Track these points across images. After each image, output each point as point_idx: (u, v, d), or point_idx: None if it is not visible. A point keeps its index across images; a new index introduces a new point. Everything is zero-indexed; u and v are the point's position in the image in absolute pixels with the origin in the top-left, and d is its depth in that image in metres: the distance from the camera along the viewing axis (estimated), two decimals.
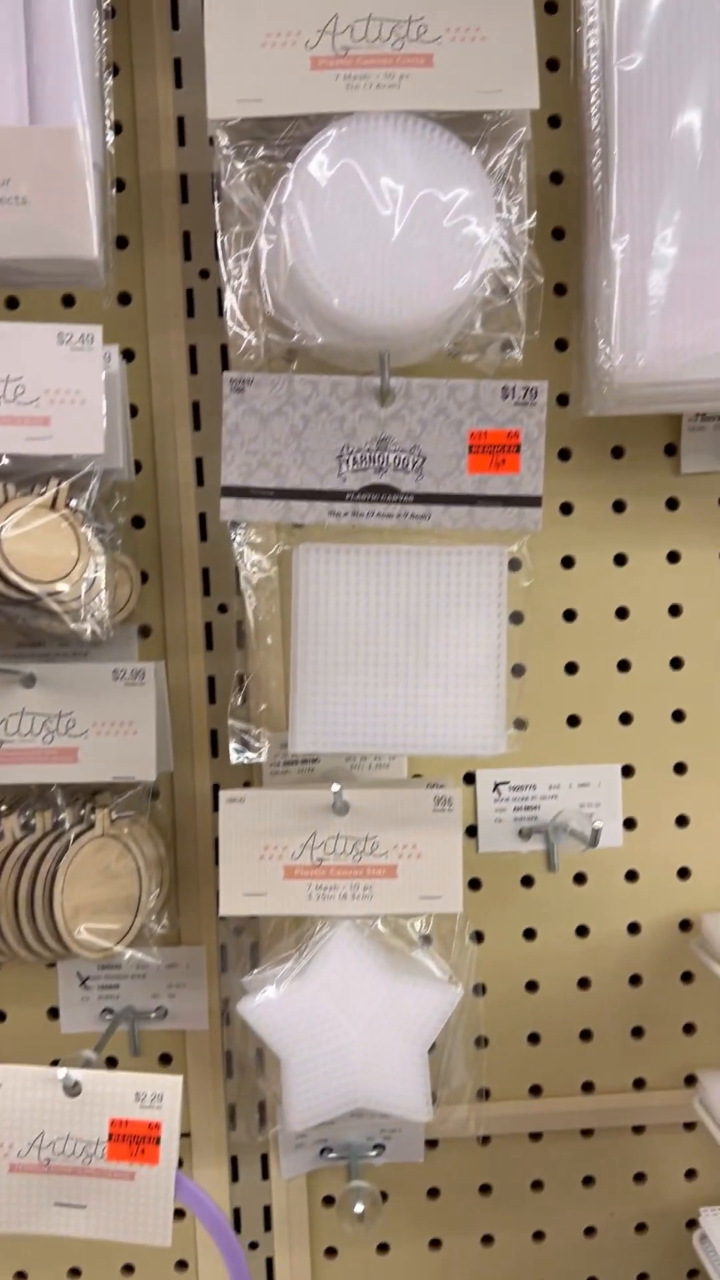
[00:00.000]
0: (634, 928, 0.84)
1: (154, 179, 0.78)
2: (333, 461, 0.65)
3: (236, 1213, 0.84)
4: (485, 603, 0.67)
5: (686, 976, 0.85)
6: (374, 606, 0.66)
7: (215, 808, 0.80)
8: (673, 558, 0.83)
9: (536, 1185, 0.86)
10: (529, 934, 0.84)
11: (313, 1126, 0.70)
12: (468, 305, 0.65)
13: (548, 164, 0.79)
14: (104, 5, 0.68)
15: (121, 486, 0.75)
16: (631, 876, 0.84)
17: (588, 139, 0.70)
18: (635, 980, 0.85)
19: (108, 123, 0.68)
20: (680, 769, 0.84)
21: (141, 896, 0.73)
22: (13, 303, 0.79)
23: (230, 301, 0.67)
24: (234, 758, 0.71)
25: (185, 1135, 0.82)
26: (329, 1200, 0.85)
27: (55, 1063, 0.80)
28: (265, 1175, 0.84)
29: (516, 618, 0.73)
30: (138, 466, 0.80)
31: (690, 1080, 0.85)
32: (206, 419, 0.80)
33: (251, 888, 0.68)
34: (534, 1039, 0.85)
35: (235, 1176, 0.84)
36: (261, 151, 0.66)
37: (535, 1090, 0.85)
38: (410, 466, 0.65)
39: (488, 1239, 0.87)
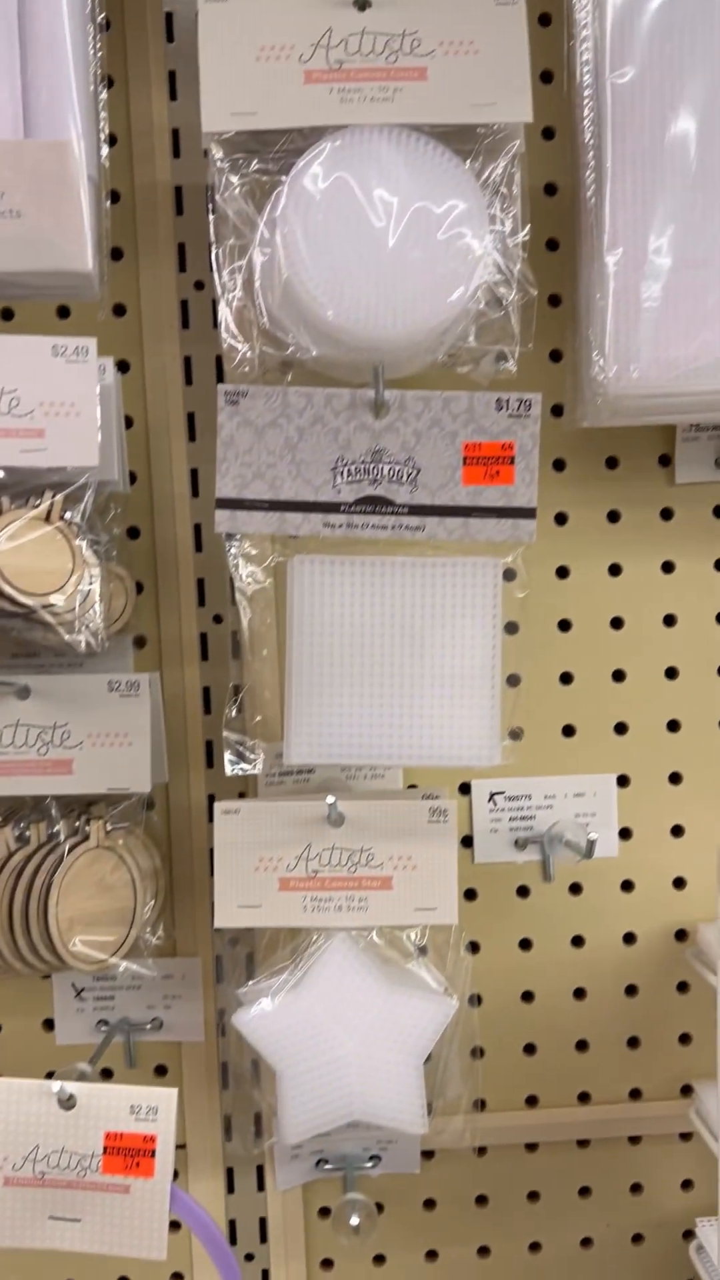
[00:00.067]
0: (629, 938, 0.84)
1: (149, 191, 0.78)
2: (327, 473, 0.65)
3: (232, 1224, 0.84)
4: (480, 614, 0.67)
5: (682, 986, 0.85)
6: (369, 618, 0.66)
7: (210, 819, 0.80)
8: (667, 568, 0.83)
9: (533, 1196, 0.86)
10: (525, 944, 0.84)
11: (308, 1139, 0.70)
12: (462, 318, 0.65)
13: (542, 175, 0.80)
14: (99, 18, 0.68)
15: (116, 498, 0.75)
16: (627, 886, 0.84)
17: (581, 151, 0.70)
18: (631, 990, 0.85)
19: (103, 135, 0.68)
20: (675, 779, 0.84)
21: (136, 908, 0.73)
22: (8, 314, 0.79)
23: (224, 314, 0.67)
24: (229, 769, 0.71)
25: (181, 1147, 0.82)
26: (325, 1212, 0.85)
27: (50, 1075, 0.80)
28: (261, 1187, 0.84)
29: (511, 628, 0.73)
30: (133, 478, 0.80)
31: (686, 1090, 0.85)
32: (201, 430, 0.80)
33: (247, 900, 0.68)
34: (530, 1049, 0.85)
35: (231, 1188, 0.84)
36: (256, 164, 0.66)
37: (531, 1101, 0.85)
38: (405, 478, 0.65)
39: (484, 1250, 0.87)
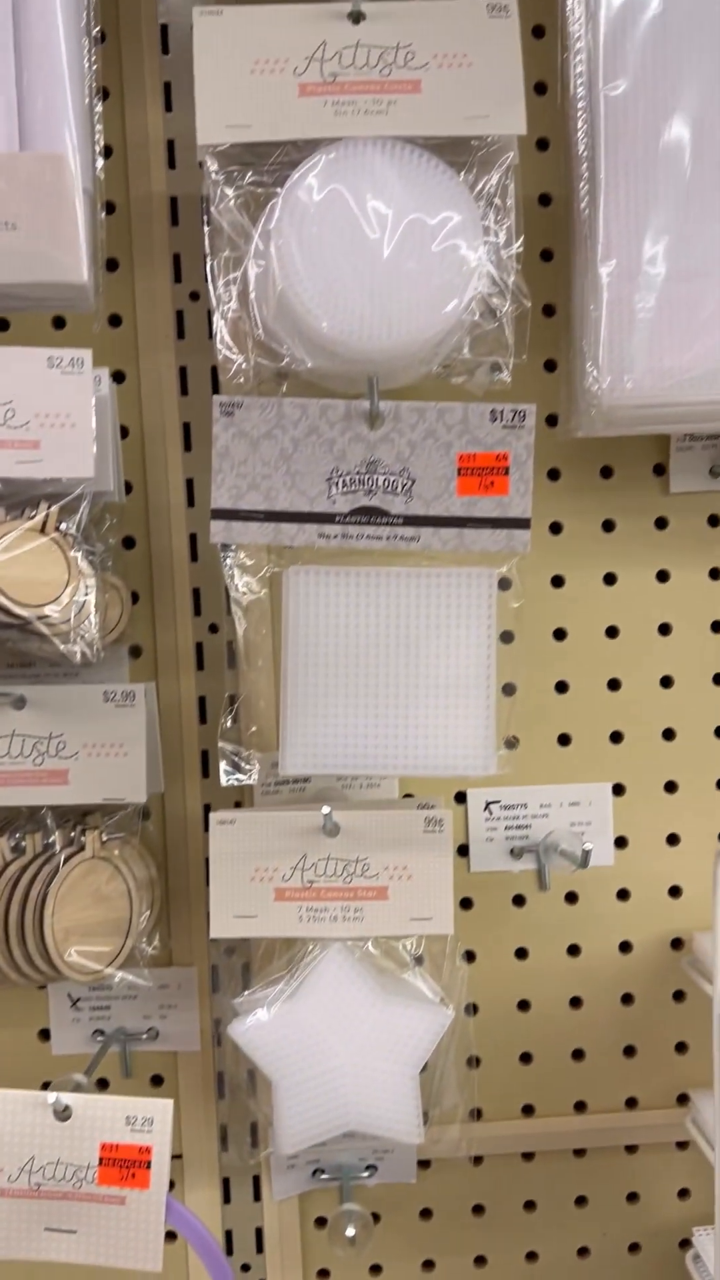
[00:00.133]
0: (625, 946, 0.85)
1: (144, 202, 0.79)
2: (322, 484, 0.65)
3: (228, 1235, 0.84)
4: (475, 624, 0.67)
5: (678, 995, 0.85)
6: (364, 628, 0.67)
7: (206, 829, 0.80)
8: (662, 577, 0.83)
9: (529, 1205, 0.86)
10: (521, 953, 0.84)
11: (304, 1149, 0.70)
12: (456, 329, 0.66)
13: (536, 186, 0.80)
14: (94, 31, 0.68)
15: (112, 508, 0.76)
16: (623, 895, 0.84)
17: (575, 163, 0.71)
18: (627, 999, 0.85)
19: (98, 147, 0.69)
20: (671, 787, 0.84)
21: (132, 918, 0.73)
22: (3, 325, 0.80)
23: (220, 325, 0.67)
24: (224, 780, 0.71)
25: (177, 1157, 0.82)
26: (321, 1221, 0.85)
27: (47, 1085, 0.80)
28: (257, 1197, 0.84)
29: (507, 637, 0.73)
30: (128, 487, 0.80)
31: (683, 1099, 0.85)
32: (197, 440, 0.80)
33: (242, 910, 0.68)
34: (526, 1058, 0.85)
35: (227, 1198, 0.84)
36: (250, 177, 0.66)
37: (528, 1110, 0.85)
38: (399, 489, 0.65)
39: (480, 1260, 0.87)
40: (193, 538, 0.81)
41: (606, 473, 0.83)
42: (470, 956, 0.83)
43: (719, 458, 0.82)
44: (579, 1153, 0.86)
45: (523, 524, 0.66)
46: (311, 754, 0.67)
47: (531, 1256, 0.87)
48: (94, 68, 0.68)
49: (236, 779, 0.71)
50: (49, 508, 0.66)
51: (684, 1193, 0.87)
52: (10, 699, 0.72)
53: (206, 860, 0.77)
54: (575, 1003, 0.85)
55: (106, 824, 0.74)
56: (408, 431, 0.65)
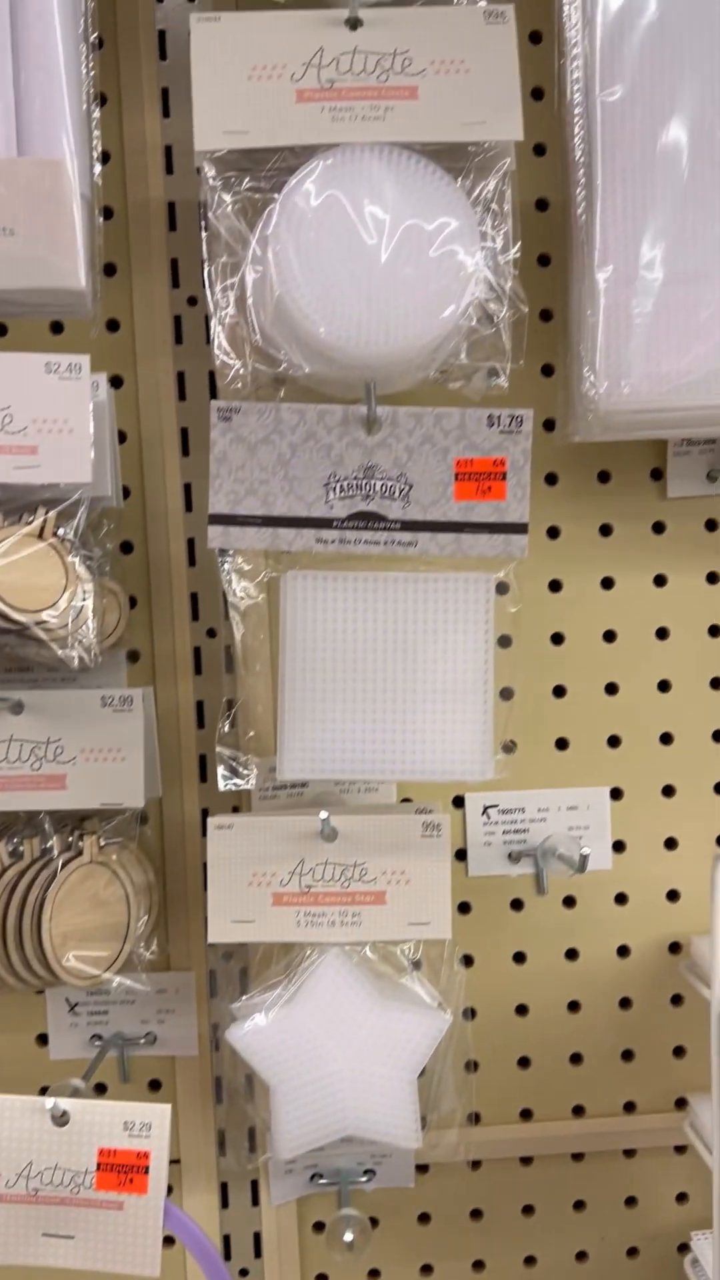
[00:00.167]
0: (623, 950, 0.85)
1: (142, 207, 0.79)
2: (320, 489, 0.65)
3: (226, 1239, 0.84)
4: (472, 629, 0.67)
5: (676, 999, 0.85)
6: (361, 633, 0.67)
7: (204, 833, 0.80)
8: (659, 581, 0.83)
9: (527, 1210, 0.86)
10: (519, 957, 0.84)
11: (302, 1154, 0.70)
12: (453, 334, 0.66)
13: (533, 191, 0.80)
14: (92, 37, 0.68)
15: (109, 513, 0.76)
16: (621, 899, 0.84)
17: (572, 169, 0.71)
18: (625, 1003, 0.85)
19: (96, 152, 0.69)
20: (668, 791, 0.84)
21: (130, 923, 0.73)
22: (1, 330, 0.80)
23: (217, 331, 0.67)
24: (221, 785, 0.71)
25: (175, 1161, 0.82)
26: (319, 1226, 0.85)
27: (44, 1090, 0.80)
28: (255, 1201, 0.84)
29: (505, 641, 0.73)
30: (126, 492, 0.80)
31: (680, 1103, 0.85)
32: (195, 445, 0.81)
33: (240, 915, 0.68)
34: (524, 1063, 0.85)
35: (225, 1203, 0.84)
36: (248, 182, 0.66)
37: (526, 1114, 0.85)
38: (397, 494, 0.65)
39: (479, 1264, 0.87)
40: (190, 542, 0.81)
41: (604, 477, 0.83)
42: (468, 961, 0.84)
43: (716, 462, 0.82)
44: (577, 1157, 0.86)
45: (520, 529, 0.66)
46: (309, 759, 0.67)
47: (530, 1261, 0.87)
48: (92, 73, 0.68)
49: (234, 784, 0.71)
50: (47, 513, 0.66)
51: (682, 1197, 0.87)
52: (8, 704, 0.72)
53: (204, 865, 0.77)
54: (573, 1007, 0.85)
55: (104, 829, 0.74)
56: (405, 437, 0.65)
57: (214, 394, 0.80)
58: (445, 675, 0.67)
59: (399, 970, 0.73)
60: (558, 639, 0.83)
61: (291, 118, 0.65)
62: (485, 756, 0.67)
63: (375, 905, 0.68)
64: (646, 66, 0.69)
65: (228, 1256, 0.84)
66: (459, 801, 0.83)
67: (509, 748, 0.82)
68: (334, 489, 0.65)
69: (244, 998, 0.71)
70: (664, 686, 0.84)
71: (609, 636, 0.83)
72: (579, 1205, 0.87)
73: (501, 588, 0.68)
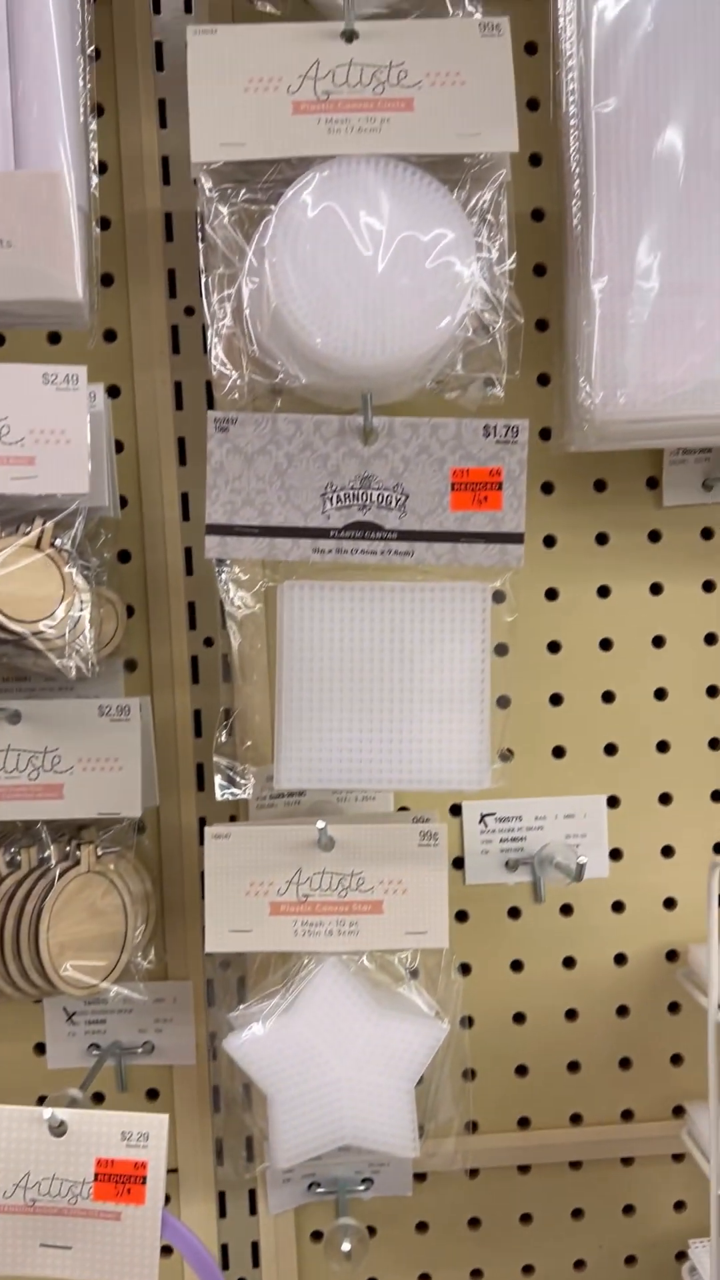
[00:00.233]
0: (621, 959, 0.85)
1: (139, 218, 0.79)
2: (316, 499, 0.66)
3: (224, 1249, 0.84)
4: (469, 638, 0.67)
5: (673, 1007, 0.85)
6: (358, 643, 0.67)
7: (201, 842, 0.80)
8: (655, 589, 0.84)
9: (525, 1218, 0.86)
10: (516, 965, 0.84)
11: (300, 1163, 0.70)
12: (450, 345, 0.66)
13: (529, 201, 0.80)
14: (89, 49, 0.69)
15: (107, 523, 0.76)
16: (618, 907, 0.84)
17: (567, 180, 0.71)
18: (622, 1011, 0.85)
19: (93, 164, 0.69)
20: (665, 799, 0.84)
21: (127, 932, 0.73)
22: None
23: (214, 342, 0.67)
24: (219, 794, 0.71)
25: (172, 1171, 0.82)
26: (317, 1235, 0.85)
27: (42, 1099, 0.80)
28: (253, 1210, 0.84)
29: (501, 650, 0.73)
30: (123, 501, 0.80)
31: (678, 1111, 0.85)
32: (192, 454, 0.81)
33: (237, 924, 0.68)
34: (521, 1071, 0.85)
35: (223, 1212, 0.84)
36: (244, 194, 0.67)
37: (523, 1122, 0.85)
38: (393, 504, 0.66)
39: (477, 1273, 0.87)
40: (188, 552, 0.81)
41: (600, 486, 0.83)
42: (465, 969, 0.84)
43: (711, 471, 0.82)
44: (575, 1165, 0.86)
45: (516, 539, 0.66)
46: (306, 768, 0.67)
47: (528, 1269, 0.87)
48: (89, 85, 0.69)
49: (231, 794, 0.71)
50: (44, 524, 0.66)
51: (680, 1205, 0.87)
52: (5, 714, 0.72)
53: (202, 874, 0.77)
54: (571, 1015, 0.85)
55: (102, 838, 0.74)
56: (401, 447, 0.65)
57: (211, 404, 0.80)
58: (442, 684, 0.67)
59: (396, 979, 0.73)
60: (554, 647, 0.83)
61: (288, 130, 0.65)
62: (482, 766, 0.67)
63: (372, 914, 0.68)
64: (641, 78, 0.69)
65: (225, 1266, 0.84)
66: (456, 810, 0.83)
67: (506, 756, 0.82)
68: (331, 499, 0.66)
69: (241, 1007, 0.71)
70: (660, 694, 0.84)
71: (605, 645, 0.84)
72: (577, 1213, 0.86)
73: (498, 596, 0.69)
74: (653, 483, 0.83)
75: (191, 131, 0.65)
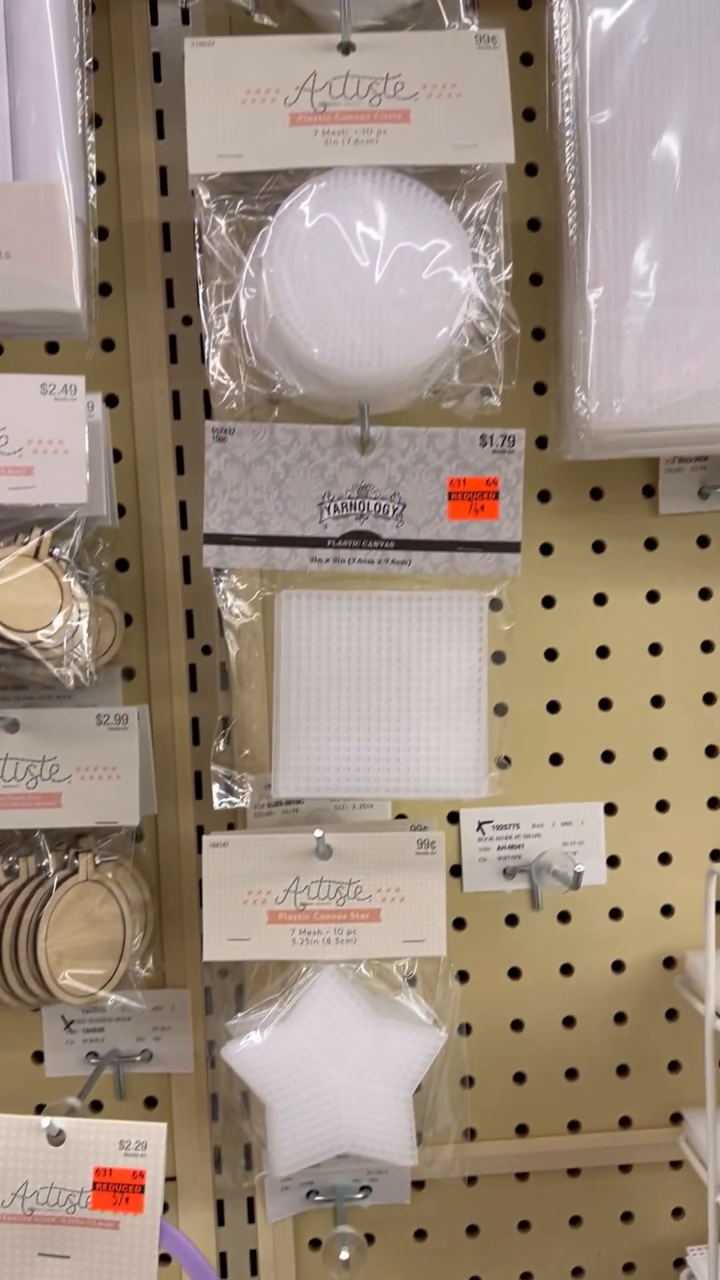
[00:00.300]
0: (618, 966, 0.85)
1: (136, 228, 0.79)
2: (314, 509, 0.66)
3: (223, 1257, 0.84)
4: (466, 647, 0.67)
5: (671, 1014, 0.85)
6: (356, 651, 0.67)
7: (199, 850, 0.80)
8: (652, 597, 0.84)
9: (524, 1225, 0.86)
10: (514, 973, 0.84)
11: (298, 1171, 0.70)
12: (446, 355, 0.66)
13: (525, 211, 0.81)
14: (87, 59, 0.69)
15: (105, 532, 0.76)
16: (615, 914, 0.84)
17: (563, 190, 0.71)
18: (620, 1018, 0.85)
19: (90, 174, 0.69)
20: (662, 806, 0.85)
21: (126, 941, 0.73)
22: None
23: (212, 352, 0.68)
24: (216, 803, 0.71)
25: (171, 1179, 0.82)
26: (315, 1244, 0.85)
27: (40, 1108, 0.80)
28: (251, 1219, 0.84)
29: (498, 657, 0.73)
30: (121, 511, 0.80)
31: (676, 1118, 0.85)
32: (190, 463, 0.81)
33: (235, 933, 0.68)
34: (519, 1078, 0.85)
35: (221, 1220, 0.84)
36: (242, 205, 0.67)
37: (521, 1130, 0.85)
38: (390, 513, 0.66)
39: None
40: (185, 560, 0.81)
41: (596, 494, 0.83)
42: (463, 977, 0.84)
43: (708, 479, 0.82)
44: (573, 1172, 0.86)
45: (513, 548, 0.66)
46: (304, 777, 0.67)
47: (526, 1277, 0.87)
48: (87, 95, 0.69)
49: (229, 802, 0.71)
50: (42, 533, 0.66)
51: (678, 1212, 0.87)
52: (3, 722, 0.72)
53: (200, 883, 0.77)
54: (568, 1022, 0.85)
55: (100, 847, 0.75)
56: (398, 456, 0.66)
57: (209, 413, 0.80)
58: (439, 692, 0.67)
59: (394, 987, 0.73)
60: (551, 655, 0.84)
61: (285, 141, 0.65)
62: (479, 774, 0.67)
63: (370, 922, 0.68)
64: (635, 89, 0.70)
65: (224, 1274, 0.84)
66: (454, 817, 0.83)
67: (503, 764, 0.82)
68: (328, 508, 0.66)
69: (240, 1015, 0.72)
70: (657, 702, 0.84)
71: (602, 652, 0.84)
72: (575, 1221, 0.87)
73: (495, 604, 0.69)
74: (649, 491, 0.83)
75: (189, 142, 0.66)
